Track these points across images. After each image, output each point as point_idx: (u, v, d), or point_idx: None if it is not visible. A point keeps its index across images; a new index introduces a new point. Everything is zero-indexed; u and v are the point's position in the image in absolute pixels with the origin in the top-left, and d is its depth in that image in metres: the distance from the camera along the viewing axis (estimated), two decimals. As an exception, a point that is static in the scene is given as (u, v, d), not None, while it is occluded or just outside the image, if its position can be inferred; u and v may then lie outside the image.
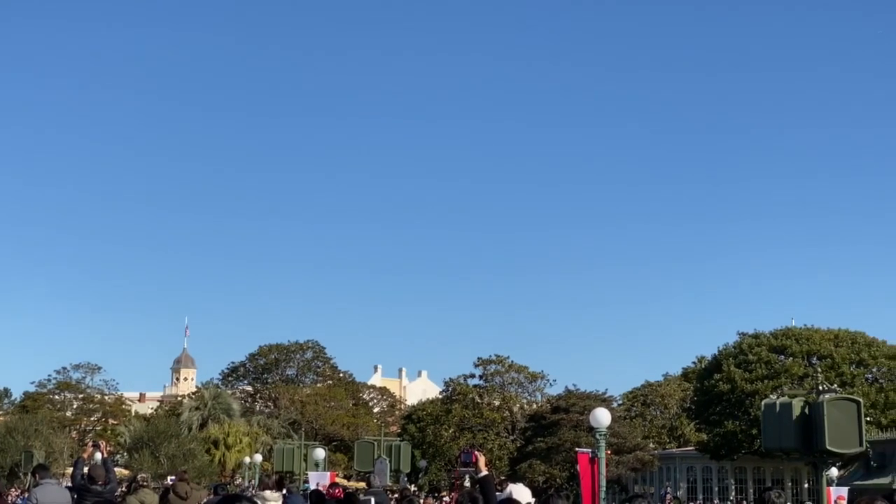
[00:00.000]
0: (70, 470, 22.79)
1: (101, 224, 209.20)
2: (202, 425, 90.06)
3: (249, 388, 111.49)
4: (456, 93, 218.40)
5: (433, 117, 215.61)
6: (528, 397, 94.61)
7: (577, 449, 27.15)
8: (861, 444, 18.95)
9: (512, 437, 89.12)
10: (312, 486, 31.17)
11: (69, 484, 19.78)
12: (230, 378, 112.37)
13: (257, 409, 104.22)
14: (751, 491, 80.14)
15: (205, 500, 21.70)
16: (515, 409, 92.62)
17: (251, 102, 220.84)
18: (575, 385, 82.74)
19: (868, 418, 57.04)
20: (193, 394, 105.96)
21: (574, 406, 76.19)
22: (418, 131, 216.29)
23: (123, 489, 23.23)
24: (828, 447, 18.36)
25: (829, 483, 34.29)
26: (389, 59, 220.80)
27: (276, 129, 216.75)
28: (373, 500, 17.68)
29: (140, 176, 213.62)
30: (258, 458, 64.00)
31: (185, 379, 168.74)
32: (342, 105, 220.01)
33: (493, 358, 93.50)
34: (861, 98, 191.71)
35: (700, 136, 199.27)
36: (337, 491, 16.43)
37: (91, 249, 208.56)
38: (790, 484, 79.79)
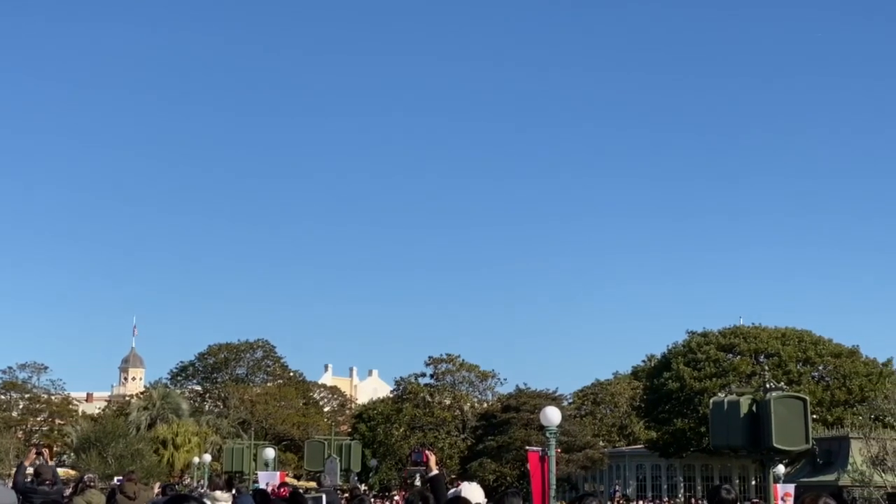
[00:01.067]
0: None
1: (46, 220, 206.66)
2: (150, 425, 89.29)
3: (199, 388, 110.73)
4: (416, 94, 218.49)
5: (387, 115, 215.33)
6: (479, 396, 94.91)
7: (527, 447, 27.24)
8: (807, 442, 19.15)
9: (463, 436, 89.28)
10: (262, 486, 30.99)
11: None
12: (179, 377, 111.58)
13: (206, 408, 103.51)
14: (699, 488, 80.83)
15: (153, 500, 21.56)
16: (466, 407, 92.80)
17: (209, 98, 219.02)
18: (525, 384, 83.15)
19: (814, 416, 57.68)
20: (142, 393, 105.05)
21: (524, 405, 76.49)
22: (368, 130, 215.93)
23: (70, 490, 22.96)
24: (775, 445, 18.54)
25: (776, 480, 34.69)
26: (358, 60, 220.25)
27: (227, 126, 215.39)
28: (324, 498, 17.62)
29: (86, 171, 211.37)
30: (207, 457, 63.60)
31: (134, 378, 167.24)
32: (295, 106, 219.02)
33: (444, 357, 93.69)
34: (811, 98, 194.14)
35: (651, 133, 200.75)
36: (283, 490, 16.37)
37: (37, 247, 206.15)
38: (738, 481, 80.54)
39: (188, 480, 71.50)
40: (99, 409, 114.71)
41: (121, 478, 32.80)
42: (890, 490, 45.45)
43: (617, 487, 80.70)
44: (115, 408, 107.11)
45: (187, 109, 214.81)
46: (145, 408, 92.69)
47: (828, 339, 79.61)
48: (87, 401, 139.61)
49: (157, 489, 28.67)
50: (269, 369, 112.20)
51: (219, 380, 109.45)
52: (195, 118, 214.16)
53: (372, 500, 54.63)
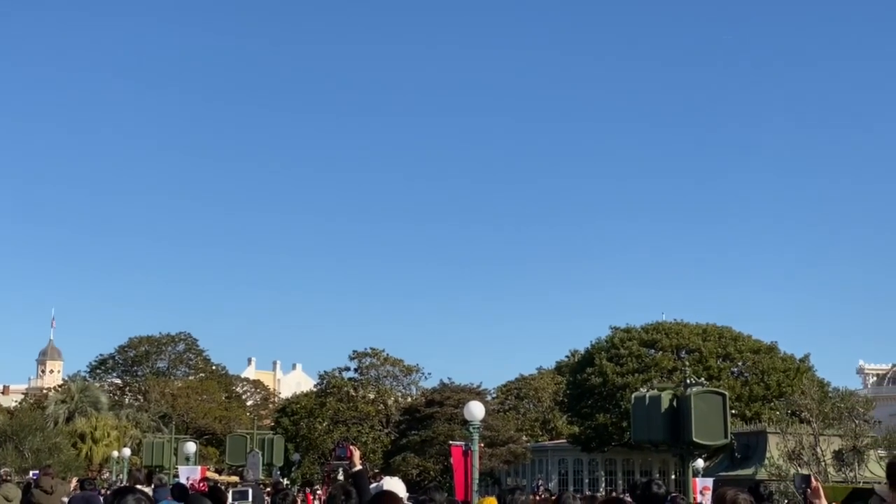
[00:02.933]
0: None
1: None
2: (69, 419, 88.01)
3: (118, 381, 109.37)
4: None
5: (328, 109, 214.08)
6: (403, 390, 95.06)
7: (450, 442, 27.42)
8: (726, 437, 19.43)
9: (386, 431, 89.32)
10: (183, 481, 30.62)
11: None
12: (98, 371, 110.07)
13: (126, 402, 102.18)
14: (620, 482, 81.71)
15: (70, 494, 21.20)
16: (390, 402, 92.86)
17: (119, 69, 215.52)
18: (450, 378, 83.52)
19: (733, 411, 58.57)
20: (60, 386, 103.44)
21: (448, 399, 76.76)
22: (308, 122, 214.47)
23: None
24: (694, 439, 18.78)
25: (695, 474, 35.12)
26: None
27: (147, 107, 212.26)
28: (250, 491, 17.45)
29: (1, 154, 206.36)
30: (127, 452, 62.78)
31: (52, 371, 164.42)
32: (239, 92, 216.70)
33: (369, 351, 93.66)
34: (739, 97, 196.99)
35: (575, 130, 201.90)
36: (202, 485, 16.24)
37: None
38: (658, 475, 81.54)
39: (107, 475, 70.47)
40: (15, 402, 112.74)
41: (37, 472, 32.20)
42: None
43: (540, 482, 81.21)
44: (32, 401, 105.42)
45: (107, 87, 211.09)
46: (63, 401, 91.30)
47: (747, 336, 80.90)
48: (3, 393, 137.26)
49: (74, 483, 28.25)
50: (191, 363, 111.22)
51: (139, 373, 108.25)
52: (113, 95, 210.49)
53: (296, 494, 54.31)
